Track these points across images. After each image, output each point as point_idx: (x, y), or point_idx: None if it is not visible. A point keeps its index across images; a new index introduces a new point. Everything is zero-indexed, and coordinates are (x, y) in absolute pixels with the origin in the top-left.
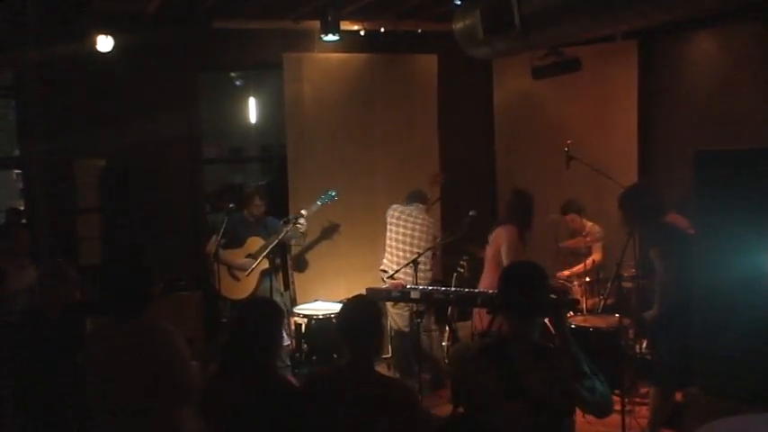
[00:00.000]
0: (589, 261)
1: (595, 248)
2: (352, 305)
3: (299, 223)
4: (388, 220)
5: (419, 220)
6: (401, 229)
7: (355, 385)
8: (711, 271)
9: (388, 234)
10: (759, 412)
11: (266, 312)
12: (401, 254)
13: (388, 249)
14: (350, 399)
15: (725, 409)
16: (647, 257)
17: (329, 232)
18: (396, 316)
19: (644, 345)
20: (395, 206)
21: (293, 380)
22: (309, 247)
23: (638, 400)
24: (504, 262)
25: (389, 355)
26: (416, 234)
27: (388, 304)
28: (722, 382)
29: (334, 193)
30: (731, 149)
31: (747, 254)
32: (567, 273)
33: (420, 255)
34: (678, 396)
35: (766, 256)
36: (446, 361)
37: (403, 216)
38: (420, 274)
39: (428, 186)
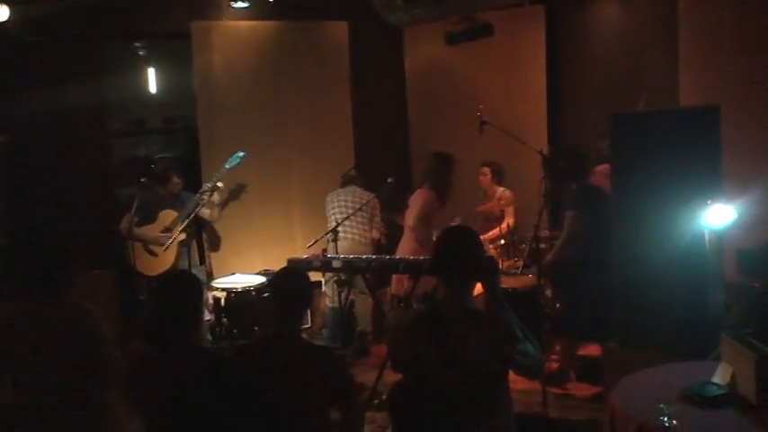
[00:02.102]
0: (504, 226)
1: (508, 212)
2: (284, 274)
3: (214, 195)
4: (327, 209)
5: (357, 199)
6: (337, 215)
7: (284, 354)
8: (631, 230)
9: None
10: (675, 362)
11: (188, 285)
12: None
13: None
14: (280, 367)
15: (642, 362)
16: (563, 218)
17: (244, 204)
18: (328, 291)
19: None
20: (330, 194)
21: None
22: (224, 221)
23: (554, 357)
24: (411, 222)
25: (308, 325)
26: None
27: (324, 282)
28: (640, 335)
29: (242, 154)
30: (646, 112)
31: (665, 213)
32: (483, 237)
33: (338, 224)
34: (596, 350)
35: (683, 215)
36: (369, 329)
37: (339, 200)
38: (348, 243)
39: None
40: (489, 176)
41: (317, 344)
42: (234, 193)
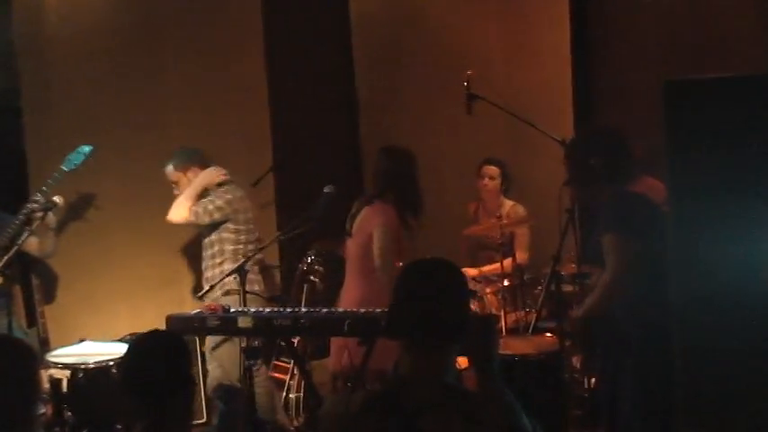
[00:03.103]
0: (508, 262)
1: (519, 241)
2: (146, 343)
3: (48, 216)
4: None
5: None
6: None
7: None
8: (693, 262)
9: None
10: None
11: (12, 358)
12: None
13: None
14: None
15: None
16: (597, 247)
17: (97, 229)
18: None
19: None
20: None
21: None
22: (65, 256)
23: None
24: (377, 260)
25: (203, 420)
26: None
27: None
28: (719, 427)
29: (88, 150)
30: (716, 78)
31: (746, 234)
32: (474, 271)
33: (250, 258)
34: None
35: None
36: (296, 424)
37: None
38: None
39: None
40: (498, 182)
41: None
42: (79, 212)
